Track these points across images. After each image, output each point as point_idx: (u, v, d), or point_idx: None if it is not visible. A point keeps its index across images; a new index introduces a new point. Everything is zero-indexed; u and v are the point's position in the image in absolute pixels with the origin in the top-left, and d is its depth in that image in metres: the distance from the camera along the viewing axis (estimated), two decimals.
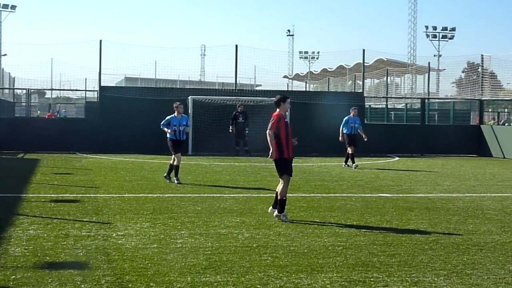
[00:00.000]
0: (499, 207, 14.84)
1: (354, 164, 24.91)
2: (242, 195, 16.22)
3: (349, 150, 25.21)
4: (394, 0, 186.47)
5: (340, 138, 25.72)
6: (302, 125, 29.57)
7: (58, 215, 12.41)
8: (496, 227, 12.17)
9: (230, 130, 31.45)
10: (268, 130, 12.52)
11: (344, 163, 25.59)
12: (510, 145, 32.87)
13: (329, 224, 12.01)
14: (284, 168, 12.65)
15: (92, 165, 24.16)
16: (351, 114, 25.86)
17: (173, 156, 18.84)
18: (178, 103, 19.57)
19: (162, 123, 19.03)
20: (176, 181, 18.46)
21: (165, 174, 19.09)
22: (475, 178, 22.19)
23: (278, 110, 12.81)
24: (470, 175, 23.29)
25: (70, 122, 37.33)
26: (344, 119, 25.69)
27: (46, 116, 42.09)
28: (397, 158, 31.06)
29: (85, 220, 11.99)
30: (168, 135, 18.93)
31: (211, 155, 30.29)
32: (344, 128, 25.57)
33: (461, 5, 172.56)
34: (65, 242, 9.87)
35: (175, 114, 19.02)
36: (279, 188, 12.65)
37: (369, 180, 20.70)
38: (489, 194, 17.47)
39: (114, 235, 10.56)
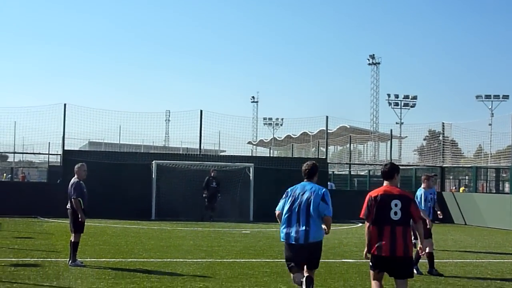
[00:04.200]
0: (461, 273, 14.95)
1: None
2: (205, 260, 16.12)
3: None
4: (357, 68, 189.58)
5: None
6: (267, 189, 29.64)
7: (18, 280, 12.21)
8: None
9: (204, 195, 31.17)
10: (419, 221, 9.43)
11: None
12: (471, 212, 33.23)
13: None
14: None
15: (53, 229, 23.88)
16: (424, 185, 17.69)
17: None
18: (431, 174, 16.31)
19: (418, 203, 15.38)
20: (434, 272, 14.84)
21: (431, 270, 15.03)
22: (437, 244, 22.28)
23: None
24: (433, 241, 23.40)
25: (32, 186, 36.97)
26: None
27: None
28: (360, 224, 31.13)
29: (45, 284, 11.81)
30: None
31: (174, 220, 30.10)
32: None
33: (423, 74, 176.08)
34: None
35: (423, 185, 16.29)
36: None
37: (332, 246, 20.71)
38: (451, 260, 17.60)
39: None
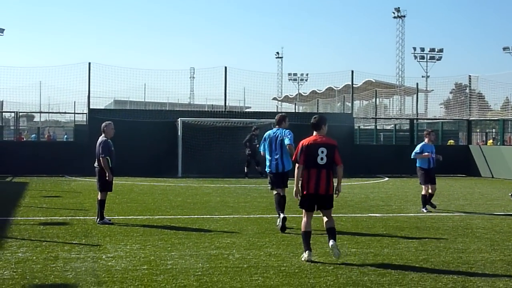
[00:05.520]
0: (489, 226, 14.88)
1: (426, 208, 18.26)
2: (232, 216, 16.20)
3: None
4: (382, 21, 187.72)
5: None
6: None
7: (47, 238, 12.35)
8: (485, 245, 12.19)
9: (248, 152, 30.79)
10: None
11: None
12: (498, 165, 32.99)
13: (320, 244, 11.99)
14: None
15: (81, 187, 24.11)
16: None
17: (423, 186, 18.27)
18: (430, 130, 19.68)
19: (416, 151, 18.54)
20: (425, 210, 17.81)
21: (422, 208, 17.94)
22: (464, 197, 22.25)
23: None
24: (459, 194, 23.35)
25: (59, 145, 37.25)
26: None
27: (14, 139, 41.24)
28: (386, 179, 31.09)
29: (74, 242, 11.94)
30: (418, 164, 18.69)
31: (201, 176, 30.23)
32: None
33: (449, 26, 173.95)
34: (54, 265, 9.81)
35: (426, 141, 18.72)
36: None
37: (359, 200, 20.71)
38: (478, 213, 17.49)
39: (103, 257, 10.51)
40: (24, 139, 44.36)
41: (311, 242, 10.67)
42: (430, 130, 19.76)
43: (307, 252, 10.50)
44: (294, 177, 10.70)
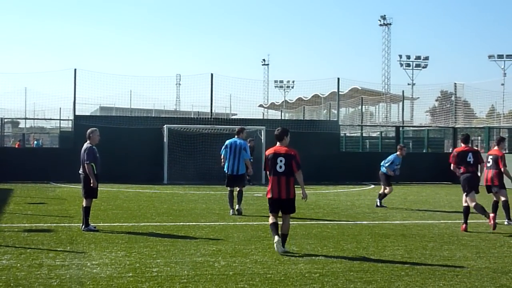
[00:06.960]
0: (474, 234, 14.92)
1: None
2: (218, 223, 16.16)
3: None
4: (368, 29, 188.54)
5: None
6: None
7: (31, 245, 12.27)
8: (471, 253, 12.22)
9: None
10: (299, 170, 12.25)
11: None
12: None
13: (306, 251, 11.98)
14: None
15: (66, 194, 23.98)
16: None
17: (382, 187, 21.57)
18: (403, 145, 22.73)
19: (387, 164, 21.49)
20: (378, 205, 21.14)
21: (378, 204, 21.24)
22: (449, 205, 22.30)
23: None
24: (445, 202, 23.40)
25: (44, 152, 37.05)
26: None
27: (16, 146, 41.27)
28: (372, 186, 31.11)
29: (59, 249, 11.86)
30: (384, 171, 21.57)
31: (186, 183, 30.16)
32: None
33: (435, 34, 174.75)
34: (38, 272, 9.74)
35: (398, 154, 21.72)
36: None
37: (345, 207, 20.72)
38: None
39: (88, 264, 10.44)
40: (21, 146, 44.12)
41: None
42: (403, 145, 23.02)
43: (275, 237, 11.96)
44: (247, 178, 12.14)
